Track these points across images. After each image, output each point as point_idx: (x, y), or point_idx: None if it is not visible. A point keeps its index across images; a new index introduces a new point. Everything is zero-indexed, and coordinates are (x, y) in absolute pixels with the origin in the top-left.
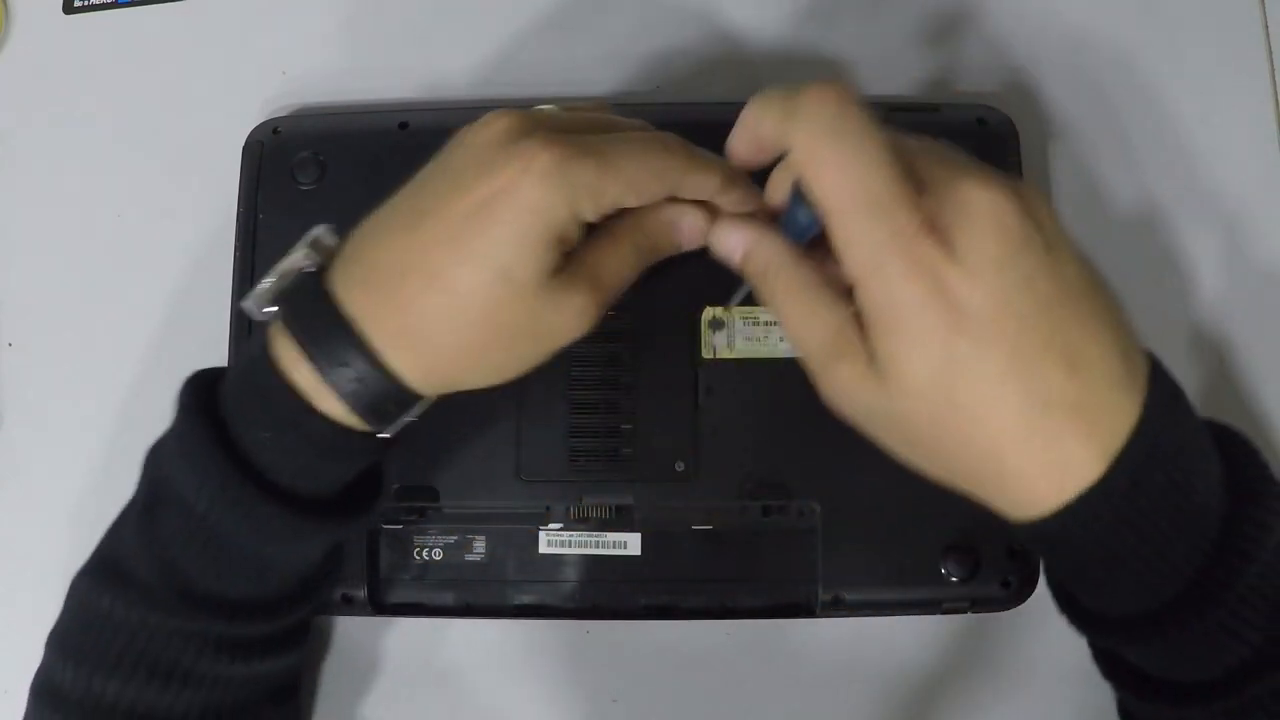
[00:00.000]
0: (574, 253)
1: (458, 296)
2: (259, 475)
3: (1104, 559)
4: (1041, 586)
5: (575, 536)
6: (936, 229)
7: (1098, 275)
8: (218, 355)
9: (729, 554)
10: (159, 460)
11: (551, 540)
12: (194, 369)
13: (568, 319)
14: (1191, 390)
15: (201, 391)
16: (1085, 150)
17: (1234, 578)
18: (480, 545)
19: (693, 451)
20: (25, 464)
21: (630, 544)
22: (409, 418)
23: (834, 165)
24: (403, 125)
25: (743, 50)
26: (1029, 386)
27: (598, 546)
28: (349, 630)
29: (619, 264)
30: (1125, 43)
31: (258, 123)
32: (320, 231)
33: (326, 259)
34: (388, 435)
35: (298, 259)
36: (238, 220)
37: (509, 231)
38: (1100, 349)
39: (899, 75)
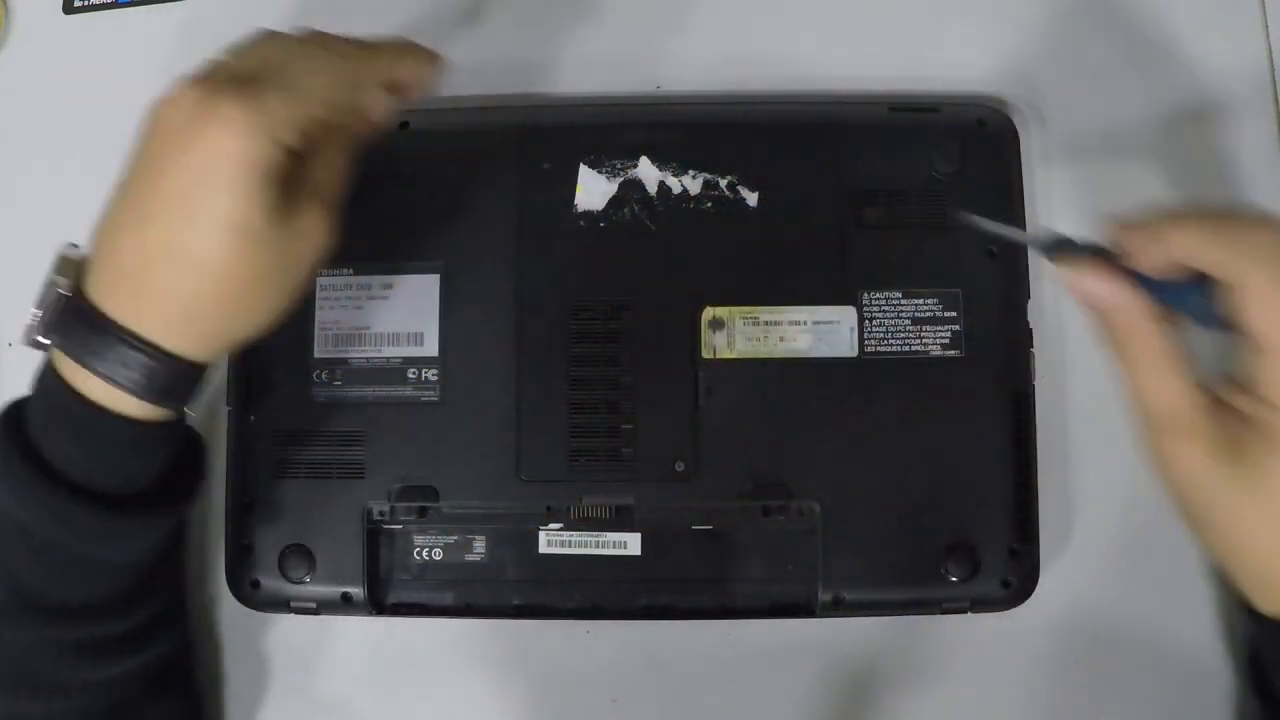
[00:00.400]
0: (293, 182)
1: (204, 264)
2: (72, 485)
3: None
4: (1042, 586)
5: (575, 536)
6: None
7: None
8: None
9: (729, 554)
10: None
11: (551, 540)
12: None
13: (306, 243)
14: None
15: (12, 421)
16: (1085, 150)
17: None
18: (480, 545)
19: (693, 451)
20: None
21: (630, 544)
22: (201, 388)
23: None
24: (403, 125)
25: (743, 50)
26: None
27: (598, 546)
28: (349, 630)
29: (328, 169)
30: (1126, 43)
31: None
32: (65, 249)
33: (80, 270)
34: (189, 412)
35: (52, 282)
36: None
37: (226, 190)
38: None
39: (899, 75)
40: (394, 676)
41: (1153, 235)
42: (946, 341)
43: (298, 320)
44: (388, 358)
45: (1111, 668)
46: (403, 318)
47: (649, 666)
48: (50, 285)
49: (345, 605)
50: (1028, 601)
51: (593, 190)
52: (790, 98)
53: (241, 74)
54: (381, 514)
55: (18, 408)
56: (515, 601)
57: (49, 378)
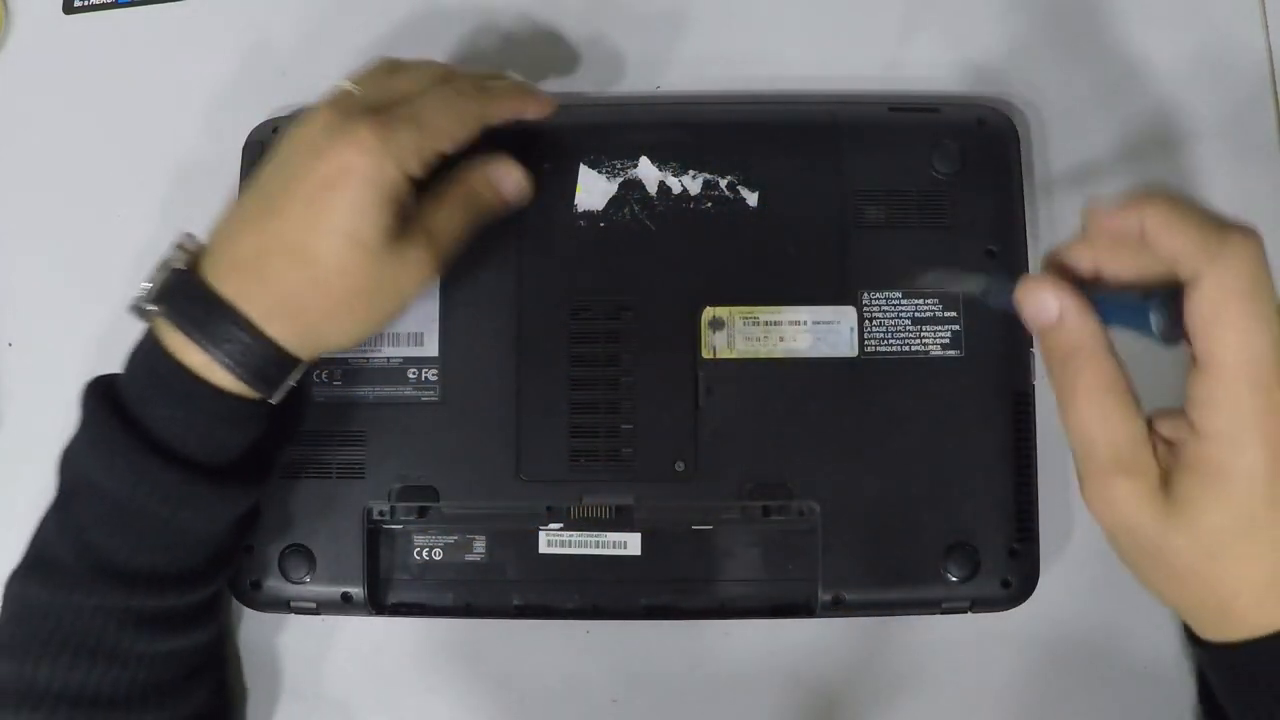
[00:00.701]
0: (412, 217)
1: (316, 266)
2: (163, 447)
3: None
4: (1042, 586)
5: (575, 536)
6: None
7: None
8: None
9: (729, 554)
10: (68, 460)
11: (551, 540)
12: None
13: (410, 271)
14: (1182, 385)
15: (100, 391)
16: (1085, 151)
17: None
18: (480, 545)
19: (693, 451)
20: (25, 464)
21: (630, 544)
22: (290, 381)
23: (1242, 329)
24: None
25: (743, 50)
26: None
27: (598, 546)
28: (349, 630)
29: (449, 220)
30: (1126, 43)
31: (258, 123)
32: (184, 236)
33: (194, 257)
34: (273, 401)
35: (168, 260)
36: None
37: (351, 201)
38: None
39: (899, 75)
40: (394, 676)
41: (1126, 206)
42: (946, 341)
43: None
44: (388, 358)
45: (1111, 667)
46: (403, 318)
47: (649, 666)
48: (166, 261)
49: (345, 605)
50: (1028, 601)
51: (593, 190)
52: (790, 98)
53: (375, 103)
54: (381, 514)
55: (106, 382)
56: (515, 601)
57: (148, 349)
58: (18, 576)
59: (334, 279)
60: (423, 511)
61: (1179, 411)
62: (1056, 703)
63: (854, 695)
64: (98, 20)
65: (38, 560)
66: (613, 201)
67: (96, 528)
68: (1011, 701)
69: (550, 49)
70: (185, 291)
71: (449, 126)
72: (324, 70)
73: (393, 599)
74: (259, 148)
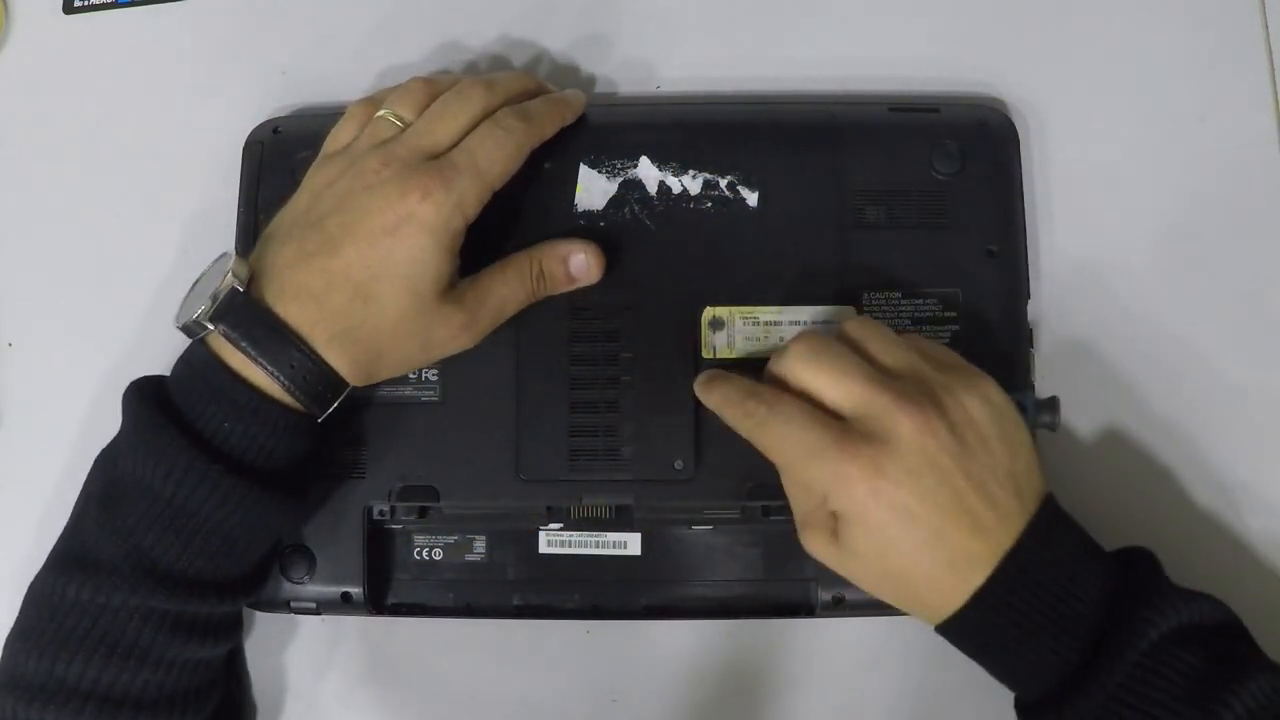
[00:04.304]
0: (472, 277)
1: (376, 306)
2: (223, 454)
3: (996, 645)
4: None
5: (575, 536)
6: (865, 449)
7: (1006, 431)
8: None
9: (729, 554)
10: (113, 461)
11: (551, 540)
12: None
13: (451, 332)
14: (1188, 388)
15: (149, 395)
16: (1085, 151)
17: (1104, 675)
18: (480, 545)
19: (693, 451)
20: (25, 464)
21: (630, 544)
22: (337, 403)
23: (774, 436)
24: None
25: (743, 50)
26: (940, 554)
27: (598, 546)
28: (349, 630)
29: (504, 291)
30: (1126, 43)
31: (258, 123)
32: (230, 257)
33: (246, 279)
34: (320, 419)
35: (226, 281)
36: (238, 220)
37: (412, 250)
38: (996, 508)
39: (900, 75)
40: (394, 676)
41: (709, 405)
42: (946, 341)
43: None
44: None
45: None
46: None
47: (649, 666)
48: (227, 280)
49: (345, 605)
50: None
51: (593, 190)
52: (790, 98)
53: (429, 148)
54: (382, 514)
55: (154, 384)
56: (515, 601)
57: (204, 363)
58: (52, 573)
59: (391, 320)
60: (423, 511)
61: None
62: None
63: (854, 695)
64: (98, 20)
65: (78, 559)
66: (613, 201)
67: (147, 530)
68: (1010, 702)
69: (549, 48)
70: (248, 313)
71: (503, 167)
72: (324, 70)
73: (393, 599)
74: (259, 148)
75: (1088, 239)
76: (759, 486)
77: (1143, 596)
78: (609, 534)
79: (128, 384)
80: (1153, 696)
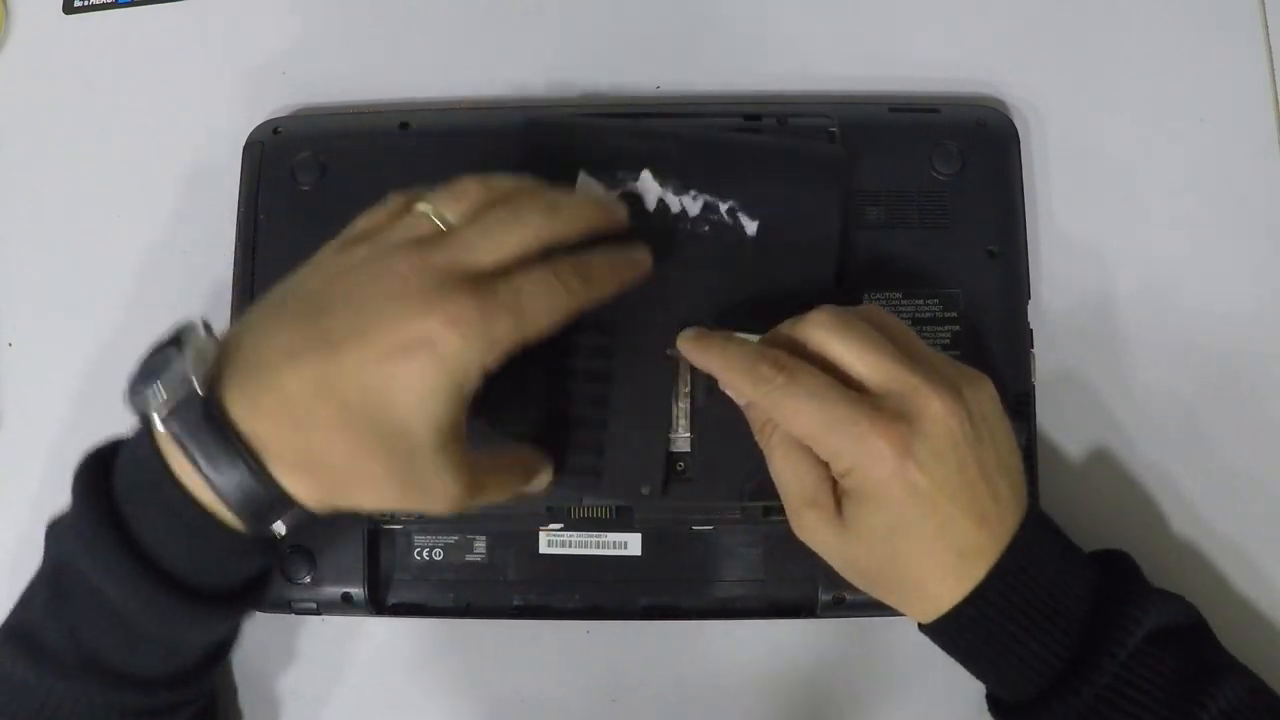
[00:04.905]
0: (488, 452)
1: (362, 443)
2: (162, 568)
3: (990, 641)
4: None
5: (575, 537)
6: (897, 426)
7: (1006, 428)
8: None
9: (729, 554)
10: (62, 542)
11: (551, 540)
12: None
13: (437, 498)
14: (1187, 387)
15: (96, 481)
16: (1085, 151)
17: (1094, 674)
18: (480, 545)
19: (693, 451)
20: (25, 464)
21: (630, 544)
22: (288, 522)
23: (794, 405)
24: (403, 125)
25: (742, 50)
26: (951, 540)
27: (598, 547)
28: (349, 630)
29: (500, 481)
30: (1125, 43)
31: (258, 123)
32: (195, 329)
33: (215, 369)
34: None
35: (185, 381)
36: (238, 221)
37: (423, 382)
38: (999, 502)
39: (899, 75)
40: (394, 676)
41: (703, 367)
42: (947, 342)
43: None
44: None
45: None
46: None
47: (649, 666)
48: (183, 375)
49: (346, 605)
50: None
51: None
52: (791, 98)
53: (472, 268)
54: (382, 514)
55: (100, 466)
56: (515, 601)
57: (148, 461)
58: (3, 646)
59: (375, 464)
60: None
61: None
62: None
63: (854, 695)
64: (98, 20)
65: (25, 635)
66: None
67: (90, 627)
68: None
69: (551, 49)
70: (206, 425)
71: (547, 324)
72: (324, 70)
73: (393, 599)
74: (259, 148)
75: (1088, 239)
76: (759, 486)
77: (1127, 597)
78: (609, 534)
79: (84, 453)
80: (1135, 698)
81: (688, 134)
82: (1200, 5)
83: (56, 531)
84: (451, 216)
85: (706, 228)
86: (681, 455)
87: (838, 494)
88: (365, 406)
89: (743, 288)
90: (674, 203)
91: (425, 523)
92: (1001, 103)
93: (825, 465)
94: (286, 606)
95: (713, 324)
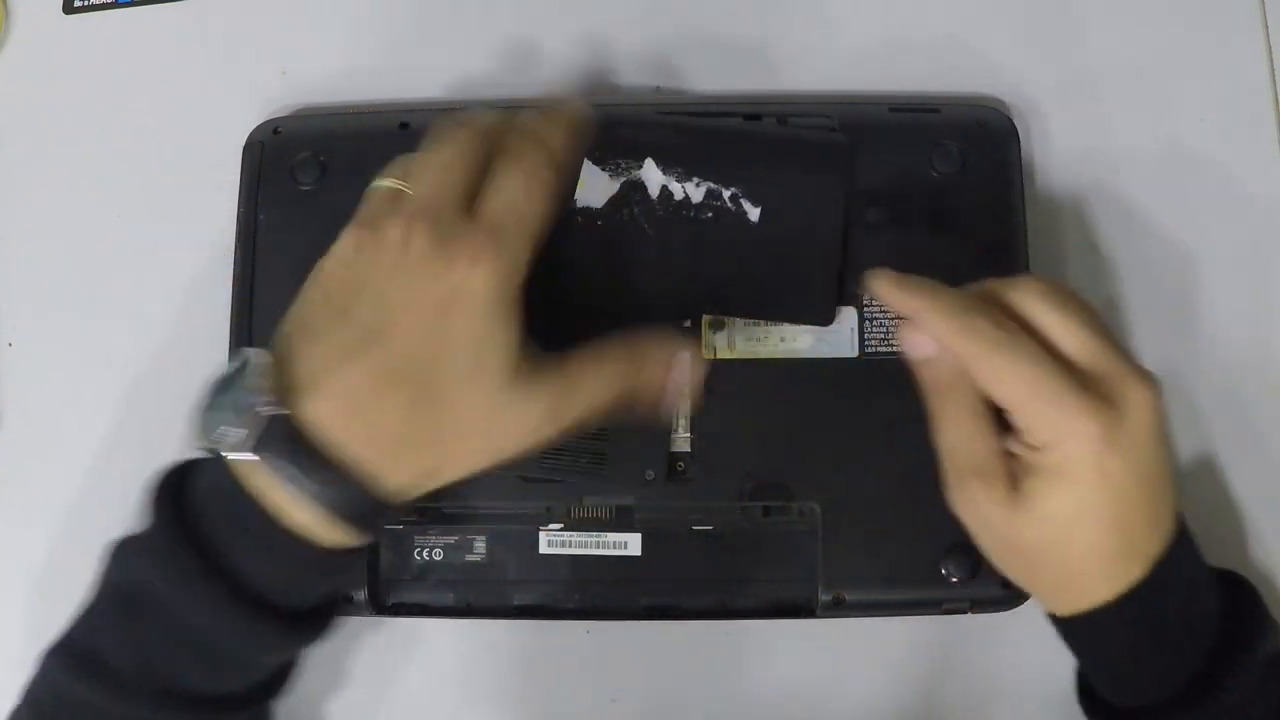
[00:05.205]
0: (556, 358)
1: (439, 404)
2: (249, 593)
3: (1129, 644)
4: None
5: (575, 537)
6: (1105, 409)
7: (1171, 442)
8: (218, 355)
9: (729, 554)
10: (134, 566)
11: (551, 540)
12: (193, 377)
13: (529, 426)
14: (1187, 386)
15: (172, 506)
16: (1085, 151)
17: (1221, 693)
18: (480, 545)
19: (693, 451)
20: (25, 464)
21: (630, 544)
22: (383, 525)
23: (1006, 364)
24: (403, 125)
25: (742, 50)
26: (1122, 536)
27: (598, 547)
28: (349, 630)
29: (597, 387)
30: (1126, 43)
31: (258, 123)
32: (255, 357)
33: (283, 393)
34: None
35: (263, 404)
36: (238, 221)
37: (472, 325)
38: (1165, 505)
39: (900, 75)
40: (394, 676)
41: (907, 309)
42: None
43: None
44: None
45: None
46: None
47: (649, 666)
48: (257, 402)
49: (346, 606)
50: (1028, 602)
51: (594, 187)
52: (790, 98)
53: (457, 203)
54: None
55: (173, 487)
56: (515, 601)
57: (229, 490)
58: (65, 663)
59: (459, 420)
60: (423, 511)
61: (1015, 434)
62: (1056, 704)
63: (854, 695)
64: (98, 20)
65: (88, 657)
66: (613, 201)
67: (166, 652)
68: (1012, 702)
69: (551, 49)
70: (286, 441)
71: (543, 205)
72: (324, 70)
73: (393, 599)
74: (259, 148)
75: (1088, 239)
76: (759, 486)
77: (1252, 621)
78: (609, 534)
79: (155, 473)
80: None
81: (690, 123)
82: (1200, 5)
83: (126, 554)
84: (403, 175)
85: (710, 214)
86: (681, 455)
87: (1014, 469)
88: (429, 379)
89: (746, 273)
90: (677, 190)
91: (426, 523)
92: (1001, 103)
93: (998, 438)
94: None
95: (716, 310)
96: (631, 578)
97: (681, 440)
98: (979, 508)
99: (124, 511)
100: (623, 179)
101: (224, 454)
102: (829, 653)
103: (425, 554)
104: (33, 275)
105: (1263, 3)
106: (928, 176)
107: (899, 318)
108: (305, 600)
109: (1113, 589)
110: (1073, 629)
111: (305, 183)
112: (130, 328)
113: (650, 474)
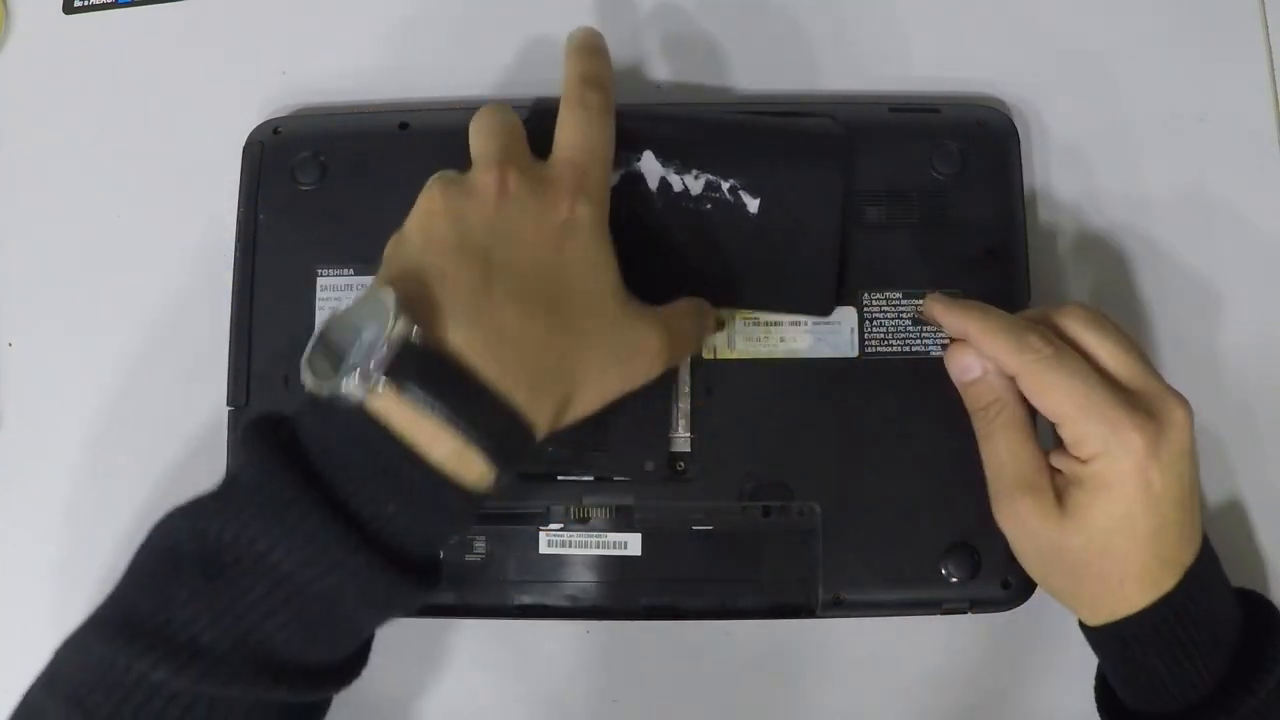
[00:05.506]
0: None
1: (574, 326)
2: (381, 545)
3: (1156, 654)
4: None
5: (575, 536)
6: (1149, 424)
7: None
8: (218, 356)
9: (729, 554)
10: (214, 525)
11: (551, 540)
12: (198, 370)
13: (650, 353)
14: (1187, 385)
15: (282, 456)
16: (1085, 151)
17: (1235, 704)
18: (480, 545)
19: (693, 451)
20: (25, 464)
21: (630, 544)
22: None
23: (1058, 380)
24: (403, 125)
25: (741, 49)
26: (1158, 548)
27: (598, 546)
28: None
29: (690, 325)
30: (1125, 42)
31: (258, 123)
32: (388, 294)
33: (423, 329)
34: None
35: (397, 328)
36: (238, 221)
37: (590, 254)
38: (1194, 519)
39: (899, 75)
40: (394, 676)
41: (961, 330)
42: (946, 342)
43: (298, 320)
44: None
45: None
46: None
47: (649, 666)
48: (403, 327)
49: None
50: (1028, 602)
51: None
52: (790, 98)
53: (532, 158)
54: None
55: (288, 439)
56: (515, 601)
57: (363, 433)
58: (116, 646)
59: (590, 339)
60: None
61: (1061, 449)
62: (1056, 704)
63: (854, 695)
64: (98, 20)
65: (159, 635)
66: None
67: (262, 616)
68: (1012, 702)
69: (550, 49)
70: (435, 370)
71: (606, 129)
72: (324, 70)
73: None
74: (259, 148)
75: (1088, 239)
76: (759, 486)
77: (1273, 631)
78: (609, 534)
79: (245, 425)
80: None
81: (689, 114)
82: (1200, 5)
83: (197, 516)
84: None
85: (709, 206)
86: (681, 455)
87: (1058, 483)
88: (559, 306)
89: (746, 264)
90: (676, 182)
91: None
92: (1001, 102)
93: (1045, 454)
94: None
95: (717, 300)
96: (631, 578)
97: (681, 440)
98: (1026, 520)
99: (124, 511)
100: (621, 171)
101: (356, 394)
102: (829, 653)
103: None
104: (33, 275)
105: (1263, 3)
106: (928, 176)
107: (921, 325)
108: (433, 551)
109: (1148, 597)
110: (1106, 637)
111: (305, 183)
112: (130, 328)
113: (650, 465)
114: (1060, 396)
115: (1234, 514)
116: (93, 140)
